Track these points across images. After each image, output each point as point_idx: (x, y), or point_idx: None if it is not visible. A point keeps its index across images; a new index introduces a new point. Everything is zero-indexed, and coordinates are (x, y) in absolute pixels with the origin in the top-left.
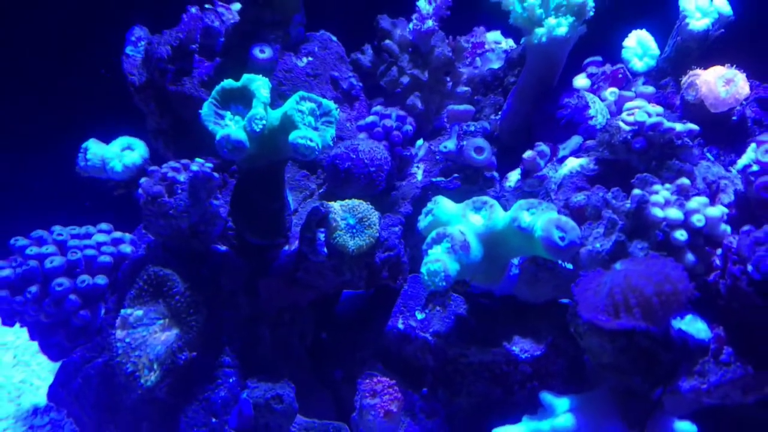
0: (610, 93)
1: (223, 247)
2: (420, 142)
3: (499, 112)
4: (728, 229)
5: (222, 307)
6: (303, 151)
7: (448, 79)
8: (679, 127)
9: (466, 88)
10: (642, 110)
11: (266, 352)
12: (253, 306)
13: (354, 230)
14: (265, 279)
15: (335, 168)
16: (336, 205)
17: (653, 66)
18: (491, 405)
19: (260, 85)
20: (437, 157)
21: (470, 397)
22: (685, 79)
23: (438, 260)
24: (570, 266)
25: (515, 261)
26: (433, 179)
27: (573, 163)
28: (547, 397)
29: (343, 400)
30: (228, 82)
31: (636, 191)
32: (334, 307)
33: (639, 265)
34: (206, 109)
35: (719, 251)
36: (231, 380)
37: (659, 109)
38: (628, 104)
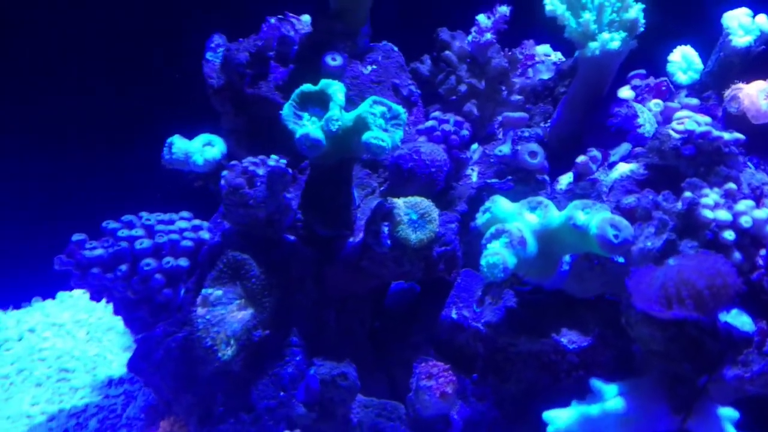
0: (655, 104)
1: (292, 237)
2: (475, 146)
3: (548, 120)
4: None
5: (292, 291)
6: (375, 150)
7: (503, 88)
8: (726, 136)
9: (519, 97)
10: (692, 119)
11: (331, 334)
12: (319, 292)
13: (416, 225)
14: (331, 267)
15: (398, 168)
16: (399, 201)
17: (696, 79)
18: (539, 391)
19: (337, 89)
20: (491, 160)
21: (519, 383)
22: (728, 93)
23: (497, 253)
24: (622, 260)
25: (566, 258)
26: (488, 180)
27: (623, 168)
28: (596, 383)
29: (397, 382)
30: (307, 86)
31: (687, 193)
32: (384, 301)
33: (691, 260)
34: (287, 110)
35: (763, 251)
36: (298, 358)
37: (707, 119)
38: (678, 113)
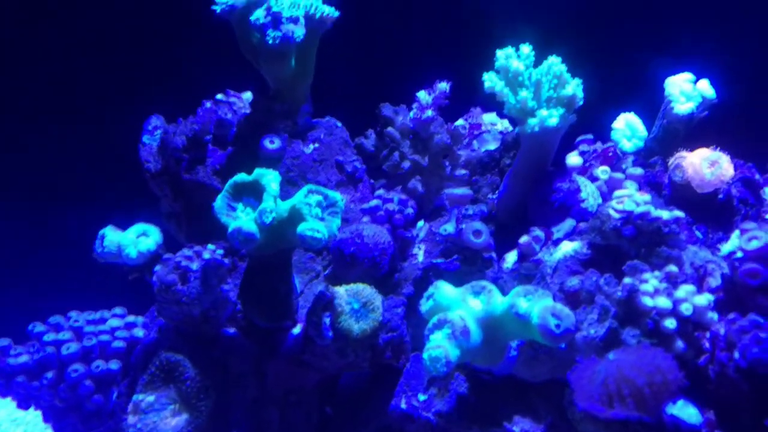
0: (602, 172)
1: (232, 330)
2: (421, 223)
3: (497, 192)
4: (715, 316)
5: (231, 389)
6: (310, 242)
7: (447, 163)
8: (665, 215)
9: (464, 171)
10: (631, 199)
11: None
12: (261, 388)
13: (358, 314)
14: (273, 361)
15: (341, 252)
16: (341, 290)
17: (641, 147)
18: None
19: (271, 180)
20: (437, 239)
21: None
22: (671, 161)
23: (439, 346)
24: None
25: (513, 343)
26: (434, 260)
27: (567, 248)
28: None
29: None
30: (240, 177)
31: (627, 280)
32: (339, 381)
33: (631, 355)
34: (219, 203)
35: (708, 334)
36: None
37: (647, 197)
38: (618, 192)
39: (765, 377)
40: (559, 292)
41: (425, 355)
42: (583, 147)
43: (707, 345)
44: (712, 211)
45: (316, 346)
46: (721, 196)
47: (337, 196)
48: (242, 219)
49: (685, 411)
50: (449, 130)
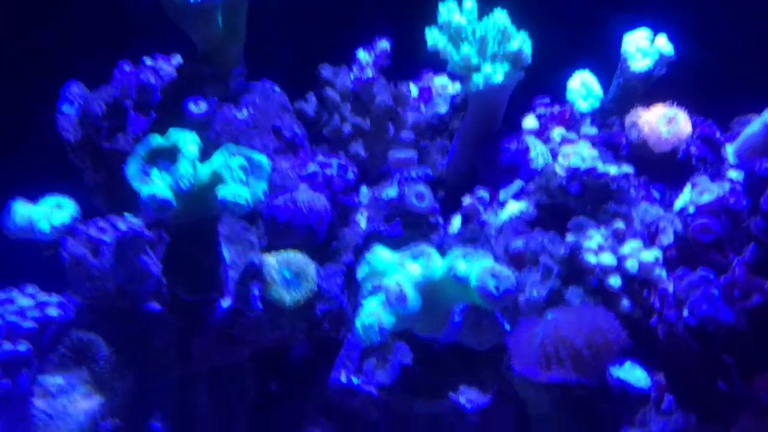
0: (557, 134)
1: (156, 305)
2: (364, 189)
3: (446, 158)
4: (663, 273)
5: (153, 368)
6: (232, 207)
7: (392, 126)
8: (613, 171)
9: (410, 134)
10: (577, 155)
11: (203, 414)
12: (186, 366)
13: (290, 284)
14: (200, 337)
15: (273, 221)
16: (271, 259)
17: (597, 107)
18: None
19: (187, 142)
20: (380, 205)
21: None
22: (627, 119)
23: (372, 314)
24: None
25: (457, 308)
26: (376, 227)
27: (513, 208)
28: None
29: None
30: (155, 138)
31: (570, 237)
32: (288, 354)
33: (569, 315)
34: (132, 168)
35: (658, 293)
36: None
37: (594, 152)
38: (564, 149)
39: (715, 335)
40: (504, 254)
41: (358, 324)
42: (540, 110)
43: (657, 305)
44: (670, 171)
45: (246, 318)
46: (680, 154)
47: (262, 158)
48: (156, 185)
49: (632, 374)
50: (393, 92)
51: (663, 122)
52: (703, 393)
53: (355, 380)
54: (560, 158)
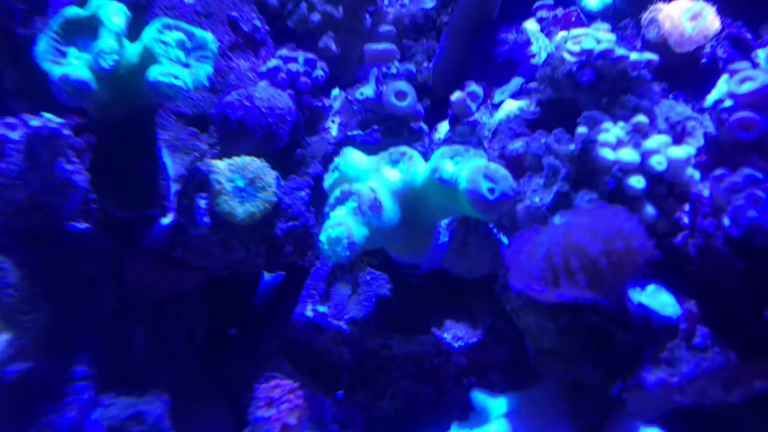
0: (561, 37)
1: (82, 224)
2: (336, 91)
3: (433, 59)
4: (697, 174)
5: (78, 300)
6: (166, 91)
7: (368, 17)
8: (634, 55)
9: (389, 28)
10: (590, 36)
11: (139, 356)
12: (121, 297)
13: (244, 194)
14: (133, 260)
15: (225, 119)
16: (221, 164)
17: (609, 4)
18: (420, 408)
19: (111, 11)
20: (355, 108)
21: (395, 399)
22: (645, 15)
23: (340, 224)
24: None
25: (443, 224)
26: (349, 133)
27: (511, 106)
28: (479, 397)
29: (242, 412)
30: (72, 10)
31: (581, 128)
32: (252, 297)
33: (583, 216)
34: (42, 45)
35: (687, 207)
36: (85, 396)
37: (611, 36)
38: (574, 31)
39: (764, 250)
40: (500, 159)
41: (322, 236)
42: (542, 13)
43: (686, 220)
44: (692, 77)
45: (189, 237)
46: (704, 58)
47: (206, 36)
48: (72, 64)
49: (658, 299)
50: None
51: (687, 17)
52: (747, 324)
53: (322, 309)
54: (569, 43)
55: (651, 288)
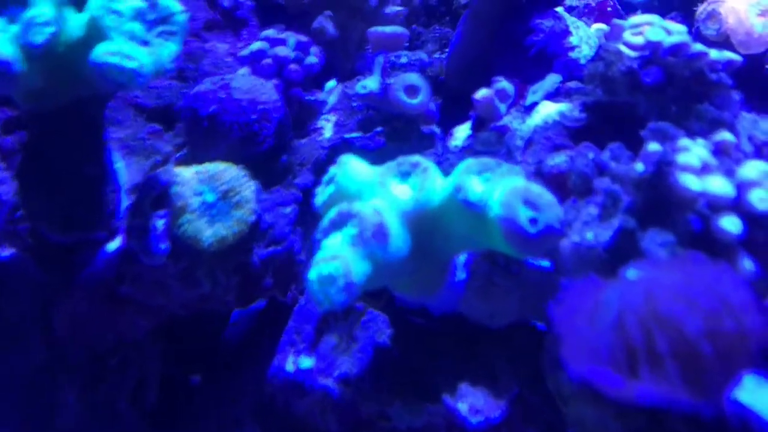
0: (596, 30)
1: (7, 251)
2: (332, 83)
3: (446, 49)
4: None
5: (3, 349)
6: (115, 76)
7: None
8: (714, 53)
9: (399, 8)
10: (656, 26)
11: (68, 426)
12: (51, 345)
13: (214, 211)
14: (67, 298)
15: (194, 114)
16: (187, 173)
17: None
18: None
19: None
20: (354, 105)
21: None
22: (701, 8)
23: (335, 257)
24: (546, 264)
25: (461, 258)
26: (346, 135)
27: (549, 110)
28: None
29: None
30: None
31: (653, 146)
32: (222, 332)
33: (670, 272)
34: None
35: None
36: None
37: (682, 27)
38: (634, 18)
39: None
40: (536, 177)
41: (312, 273)
42: (571, 1)
43: None
44: (760, 85)
45: (142, 268)
46: None
47: (173, 5)
48: None
49: (762, 397)
50: None
51: (756, 12)
52: None
53: (306, 363)
54: (627, 33)
55: (750, 380)
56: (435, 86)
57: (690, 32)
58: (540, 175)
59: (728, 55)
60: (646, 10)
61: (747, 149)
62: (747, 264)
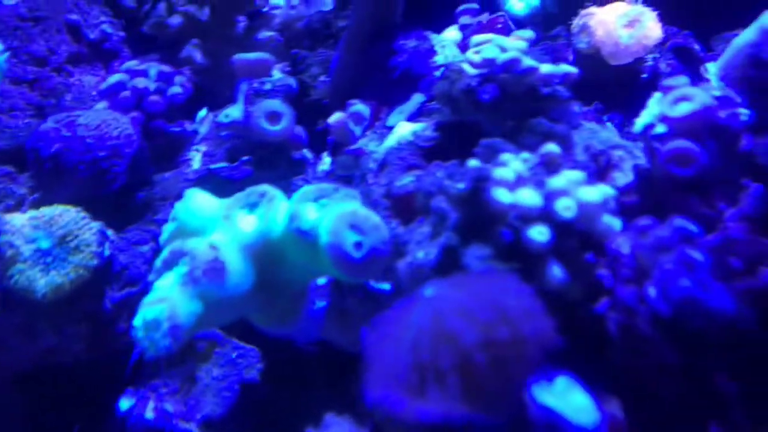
0: (480, 39)
1: None
2: (203, 112)
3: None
4: (617, 224)
5: None
6: None
7: (248, 20)
8: (546, 68)
9: (271, 34)
10: (494, 45)
11: None
12: None
13: (49, 259)
14: None
15: (36, 154)
16: (19, 220)
17: (537, 7)
18: None
19: None
20: (223, 134)
21: None
22: (576, 21)
23: (162, 300)
24: (387, 287)
25: (321, 282)
26: (212, 166)
27: (404, 130)
28: None
29: None
30: None
31: (473, 162)
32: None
33: (460, 288)
34: None
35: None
36: None
37: (521, 44)
38: (477, 37)
39: (705, 336)
40: (385, 198)
41: (137, 320)
42: (465, 20)
43: (609, 277)
44: (631, 95)
45: None
46: (645, 73)
47: None
48: None
49: (569, 400)
50: None
51: (623, 23)
52: None
53: (167, 406)
54: (470, 52)
55: (561, 382)
56: (320, 110)
57: (571, 45)
58: (389, 196)
59: (564, 68)
60: (533, 26)
61: (581, 159)
62: (556, 271)
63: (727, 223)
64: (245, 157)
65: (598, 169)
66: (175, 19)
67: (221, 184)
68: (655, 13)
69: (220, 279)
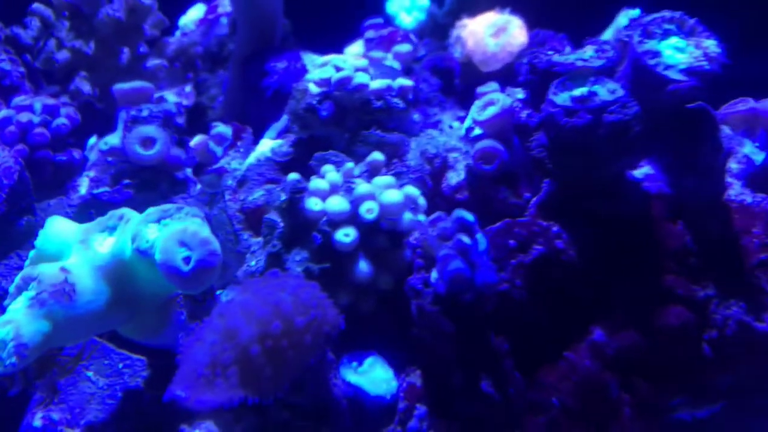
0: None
1: None
2: (92, 140)
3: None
4: (421, 219)
5: None
6: None
7: (126, 50)
8: (376, 83)
9: (158, 61)
10: (331, 63)
11: None
12: None
13: None
14: None
15: None
16: None
17: (424, 20)
18: None
19: None
20: (109, 159)
21: None
22: (453, 33)
23: (9, 322)
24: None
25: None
26: (94, 191)
27: (264, 147)
28: None
29: None
30: None
31: (292, 175)
32: None
33: (247, 292)
34: None
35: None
36: None
37: (361, 62)
38: (322, 58)
39: (475, 308)
40: (239, 212)
41: None
42: (370, 34)
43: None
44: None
45: None
46: (520, 76)
47: None
48: None
49: (371, 375)
50: (128, 3)
51: (490, 32)
52: (463, 399)
53: (54, 415)
54: (315, 71)
55: (368, 361)
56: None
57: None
58: (242, 211)
59: (400, 82)
60: (428, 37)
61: (414, 163)
62: (363, 266)
63: (530, 209)
64: (126, 181)
65: (432, 171)
66: (62, 54)
67: (104, 208)
68: (521, 20)
69: (68, 299)
